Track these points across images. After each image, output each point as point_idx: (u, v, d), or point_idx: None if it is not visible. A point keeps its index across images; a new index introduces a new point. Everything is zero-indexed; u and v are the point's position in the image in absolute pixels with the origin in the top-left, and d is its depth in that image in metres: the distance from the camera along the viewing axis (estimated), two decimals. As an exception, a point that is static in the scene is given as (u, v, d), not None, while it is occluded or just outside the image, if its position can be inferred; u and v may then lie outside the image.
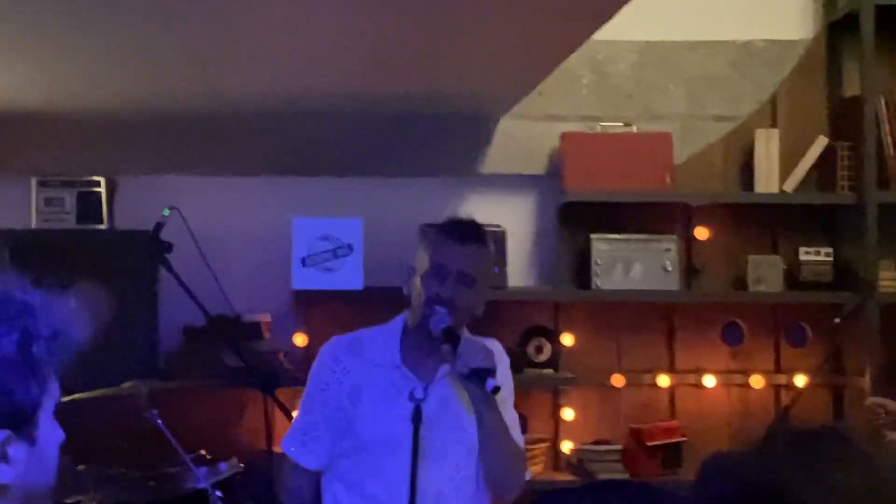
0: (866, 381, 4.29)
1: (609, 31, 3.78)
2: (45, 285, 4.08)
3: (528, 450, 4.39)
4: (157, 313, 4.33)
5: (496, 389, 2.65)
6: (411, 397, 2.64)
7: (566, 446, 4.56)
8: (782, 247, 4.58)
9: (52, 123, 4.39)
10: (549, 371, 4.49)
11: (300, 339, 4.45)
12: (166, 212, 3.76)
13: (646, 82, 4.65)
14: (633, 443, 4.47)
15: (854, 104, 4.48)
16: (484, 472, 2.85)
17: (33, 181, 4.47)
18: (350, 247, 4.30)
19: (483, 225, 2.93)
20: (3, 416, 1.38)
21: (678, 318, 4.61)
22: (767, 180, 4.50)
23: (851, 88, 4.56)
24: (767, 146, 4.52)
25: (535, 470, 4.42)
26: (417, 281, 2.81)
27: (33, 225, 4.45)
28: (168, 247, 3.95)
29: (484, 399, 2.71)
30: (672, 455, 4.47)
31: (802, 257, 4.47)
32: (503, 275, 4.44)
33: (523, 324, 4.53)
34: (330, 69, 3.69)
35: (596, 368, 4.55)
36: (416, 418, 2.64)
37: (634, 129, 4.52)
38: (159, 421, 3.64)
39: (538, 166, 4.64)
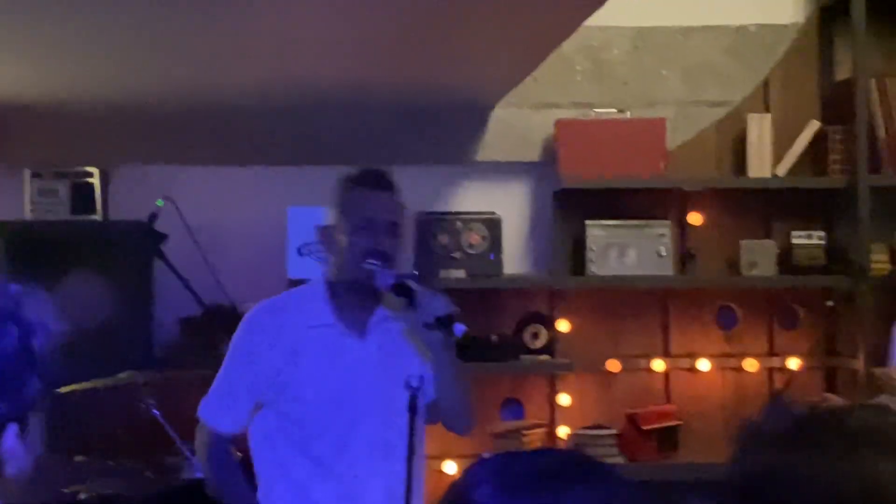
0: (859, 363, 4.31)
1: (603, 18, 3.80)
2: (37, 277, 4.08)
3: (524, 435, 4.43)
4: (152, 304, 4.33)
5: (466, 332, 2.71)
6: (407, 386, 2.65)
7: (563, 431, 4.58)
8: (775, 231, 4.59)
9: (46, 114, 4.39)
10: (545, 357, 4.51)
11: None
12: (160, 202, 3.77)
13: (640, 68, 4.66)
14: (630, 427, 4.49)
15: (846, 88, 4.49)
16: (443, 411, 2.94)
17: (27, 172, 4.46)
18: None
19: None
20: (12, 409, 1.40)
21: (672, 303, 4.63)
22: (760, 165, 4.52)
23: (843, 72, 4.56)
24: (760, 131, 4.53)
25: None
26: (342, 237, 2.82)
27: (27, 216, 4.45)
28: (162, 237, 3.96)
29: (448, 345, 2.78)
30: (668, 439, 4.50)
31: (795, 241, 4.49)
32: (498, 262, 4.45)
33: (519, 311, 4.55)
34: (324, 59, 3.70)
35: (591, 354, 4.56)
36: (413, 407, 2.65)
37: (629, 115, 4.52)
38: (156, 411, 3.66)
39: (533, 153, 4.65)
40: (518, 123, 4.65)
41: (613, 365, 4.59)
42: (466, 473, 1.26)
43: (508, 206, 4.59)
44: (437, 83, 4.10)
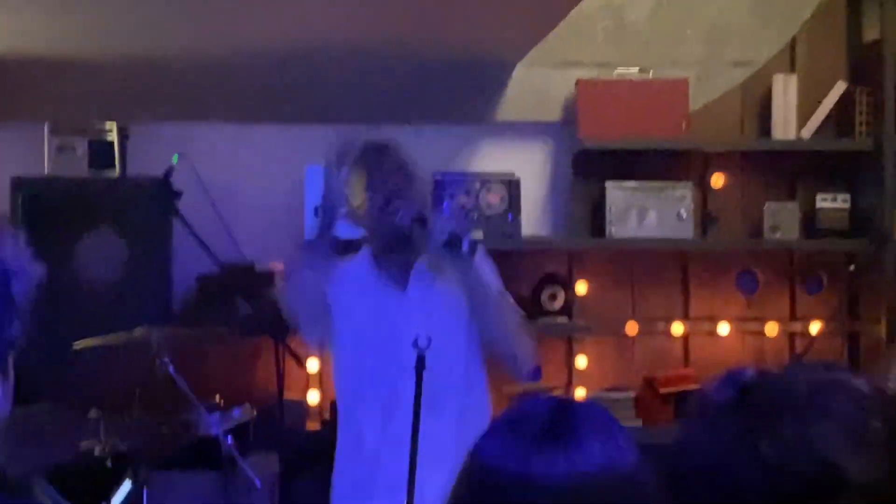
0: (882, 328, 4.26)
1: (625, -25, 3.74)
2: (55, 233, 4.05)
3: (541, 397, 4.41)
4: (170, 261, 4.32)
5: (473, 245, 2.86)
6: (414, 345, 2.67)
7: (580, 394, 4.55)
8: (799, 194, 4.53)
9: (64, 70, 4.37)
10: (563, 319, 4.48)
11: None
12: (175, 158, 3.75)
13: (662, 28, 4.59)
14: (647, 390, 4.46)
15: (874, 49, 4.41)
16: (495, 350, 3.01)
17: (45, 128, 4.45)
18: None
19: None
20: None
21: (693, 266, 4.59)
22: (785, 127, 4.45)
23: (871, 33, 4.48)
24: (785, 92, 4.46)
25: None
26: (360, 199, 2.99)
27: (46, 172, 4.44)
28: (178, 194, 3.95)
29: (468, 266, 2.89)
30: (685, 403, 4.46)
31: (819, 204, 4.43)
32: (517, 223, 4.42)
33: (537, 272, 4.52)
34: (344, 16, 3.66)
35: (610, 316, 4.53)
36: (420, 367, 2.66)
37: (650, 75, 4.46)
38: (171, 368, 3.66)
39: (553, 114, 4.60)
40: (538, 83, 4.59)
41: (632, 328, 4.55)
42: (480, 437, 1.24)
43: (527, 167, 4.55)
44: (458, 41, 4.05)
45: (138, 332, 3.72)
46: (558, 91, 4.57)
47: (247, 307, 4.13)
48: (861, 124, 4.40)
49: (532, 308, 4.45)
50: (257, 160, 4.58)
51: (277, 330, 3.90)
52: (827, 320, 4.35)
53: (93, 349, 3.72)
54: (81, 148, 4.41)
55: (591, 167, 4.50)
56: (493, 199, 4.40)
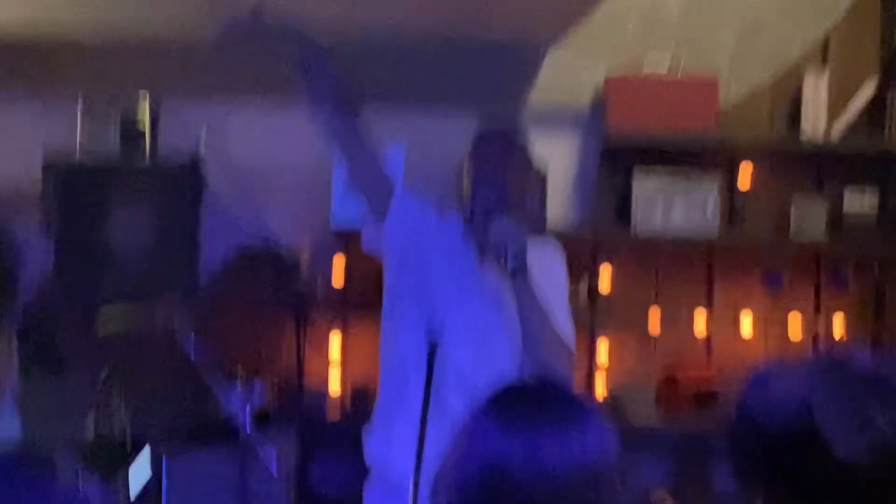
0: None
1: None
2: (86, 215, 4.04)
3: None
4: (198, 239, 4.34)
5: (515, 271, 2.74)
6: (427, 336, 2.66)
7: (600, 389, 4.54)
8: (827, 193, 4.52)
9: (97, 49, 4.41)
10: (586, 311, 4.47)
11: (338, 269, 4.46)
12: (205, 139, 3.78)
13: (694, 22, 4.58)
14: (669, 387, 4.45)
15: (907, 47, 4.40)
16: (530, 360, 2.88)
17: (78, 105, 4.48)
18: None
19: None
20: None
21: (718, 262, 4.57)
22: (815, 125, 4.44)
23: (905, 31, 4.47)
24: (816, 90, 4.44)
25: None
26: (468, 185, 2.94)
27: (77, 147, 4.47)
28: (204, 181, 3.97)
29: (515, 279, 2.78)
30: (707, 400, 4.45)
31: (847, 202, 4.41)
32: (542, 215, 4.41)
33: (561, 264, 4.51)
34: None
35: (633, 311, 4.52)
36: (431, 362, 2.64)
37: (681, 69, 4.45)
38: (194, 344, 3.69)
39: (581, 105, 4.60)
40: (569, 71, 4.59)
41: (654, 323, 4.54)
42: (470, 421, 1.27)
43: (554, 158, 4.54)
44: (491, 23, 4.05)
45: (163, 306, 3.74)
46: (588, 84, 4.56)
47: (273, 288, 4.15)
48: (892, 124, 4.38)
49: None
50: (287, 141, 4.59)
51: (301, 310, 3.92)
52: (852, 319, 4.32)
53: (118, 320, 3.75)
54: (113, 124, 4.44)
55: (618, 161, 4.50)
56: (520, 190, 4.40)
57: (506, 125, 3.10)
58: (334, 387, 4.39)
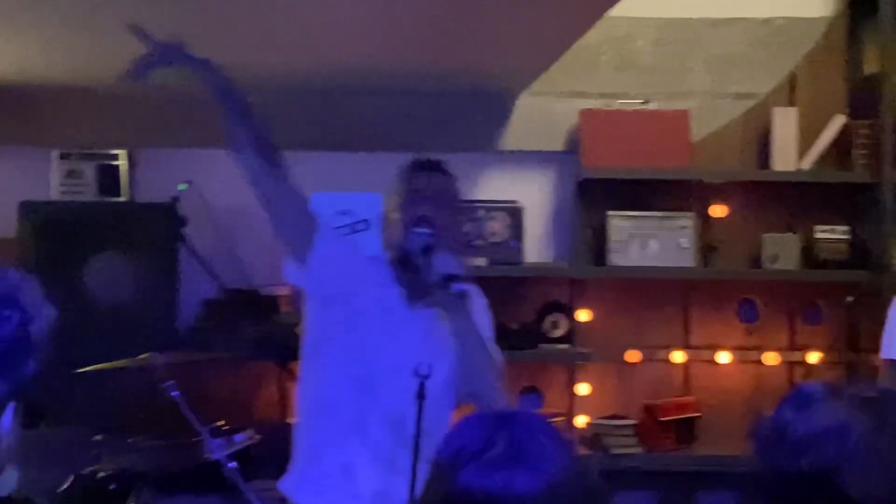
0: (880, 359, 4.29)
1: (629, 8, 3.80)
2: (63, 258, 4.06)
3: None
4: (176, 286, 4.36)
5: (461, 293, 2.79)
6: (416, 373, 2.67)
7: (581, 421, 4.58)
8: (799, 225, 4.58)
9: (73, 96, 4.43)
10: (565, 346, 4.52)
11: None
12: (183, 186, 3.80)
13: (665, 59, 4.65)
14: (648, 418, 4.49)
15: (873, 82, 4.47)
16: (469, 391, 2.93)
17: (54, 153, 4.50)
18: (367, 222, 4.32)
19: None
20: (12, 390, 1.44)
21: (694, 295, 4.63)
22: (785, 158, 4.50)
23: (871, 67, 4.54)
24: (785, 124, 4.51)
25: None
26: (394, 214, 2.97)
27: (54, 197, 4.48)
28: (184, 221, 3.99)
29: (456, 308, 2.83)
30: (686, 430, 4.50)
31: (818, 235, 4.47)
32: (519, 250, 4.46)
33: (540, 299, 4.56)
34: (351, 46, 3.71)
35: (611, 344, 4.57)
36: (421, 394, 2.66)
37: (653, 106, 4.52)
38: (175, 392, 3.68)
39: (556, 143, 4.65)
40: (542, 113, 4.65)
41: (633, 355, 4.59)
42: (450, 445, 1.35)
43: (531, 195, 4.60)
44: (463, 71, 4.10)
45: (144, 356, 3.75)
46: (562, 121, 4.62)
47: (252, 331, 4.17)
48: (860, 157, 4.45)
49: (534, 335, 4.49)
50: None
51: (281, 354, 3.94)
52: (826, 350, 4.38)
53: (98, 372, 3.75)
54: (90, 173, 4.46)
55: (593, 196, 4.55)
56: (497, 226, 4.45)
57: (432, 156, 3.10)
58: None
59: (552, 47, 3.89)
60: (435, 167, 3.03)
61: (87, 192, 4.47)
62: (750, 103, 4.63)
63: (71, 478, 3.74)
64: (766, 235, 4.49)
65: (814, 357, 4.52)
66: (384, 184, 4.41)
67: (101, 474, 3.73)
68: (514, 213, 4.47)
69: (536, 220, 4.61)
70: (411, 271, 2.92)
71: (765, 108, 4.58)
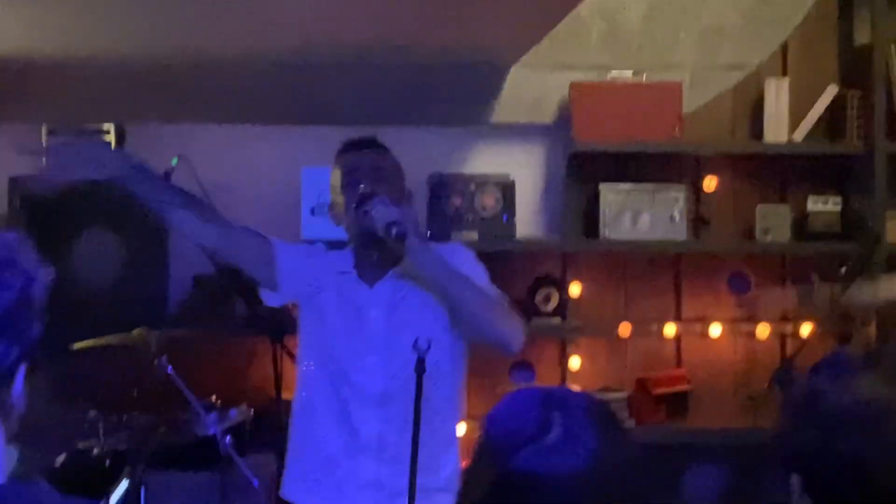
0: (872, 330, 4.30)
1: (619, -21, 3.77)
2: (53, 234, 4.06)
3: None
4: (167, 262, 4.35)
5: (400, 236, 2.76)
6: (415, 347, 2.67)
7: (573, 395, 4.59)
8: (791, 197, 4.58)
9: (62, 71, 4.39)
10: (557, 320, 4.52)
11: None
12: (174, 161, 3.78)
13: (656, 31, 4.62)
14: (640, 391, 4.51)
15: (865, 53, 4.46)
16: (471, 328, 2.92)
17: (44, 129, 4.47)
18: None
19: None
20: (22, 353, 1.44)
21: (686, 267, 4.63)
22: (777, 130, 4.49)
23: (863, 37, 4.53)
24: (777, 95, 4.50)
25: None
26: (340, 198, 2.96)
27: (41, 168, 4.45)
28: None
29: (420, 254, 2.82)
30: (678, 403, 4.51)
31: (811, 207, 4.47)
32: (511, 225, 4.45)
33: (531, 273, 4.55)
34: (340, 19, 3.68)
35: (603, 318, 4.57)
36: (420, 368, 2.66)
37: (644, 78, 4.50)
38: (169, 368, 3.69)
39: (547, 116, 4.63)
40: (533, 85, 4.62)
41: (625, 329, 4.59)
42: (500, 426, 1.31)
43: (522, 168, 4.58)
44: (453, 44, 4.08)
45: (136, 332, 3.74)
46: (553, 94, 4.60)
47: (244, 307, 4.16)
48: (852, 128, 4.44)
49: (526, 309, 4.48)
50: (255, 161, 4.60)
51: (274, 330, 3.93)
52: (818, 322, 4.39)
53: (91, 349, 3.74)
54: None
55: (585, 169, 4.54)
56: (488, 200, 4.44)
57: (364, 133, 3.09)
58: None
59: (543, 20, 3.87)
60: (368, 145, 3.03)
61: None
62: (741, 75, 4.62)
63: (64, 455, 3.75)
64: (758, 207, 4.49)
65: (806, 329, 4.53)
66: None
67: (95, 451, 3.73)
68: (506, 188, 4.45)
69: (528, 194, 4.60)
70: (366, 249, 2.94)
71: (757, 79, 4.57)
